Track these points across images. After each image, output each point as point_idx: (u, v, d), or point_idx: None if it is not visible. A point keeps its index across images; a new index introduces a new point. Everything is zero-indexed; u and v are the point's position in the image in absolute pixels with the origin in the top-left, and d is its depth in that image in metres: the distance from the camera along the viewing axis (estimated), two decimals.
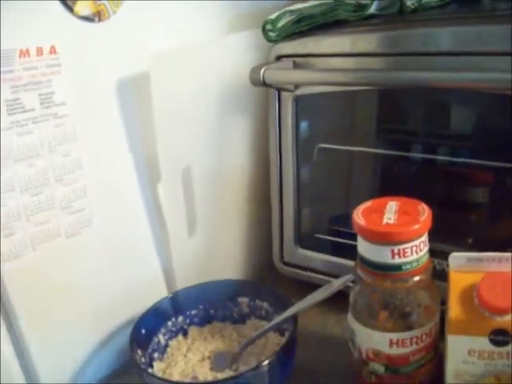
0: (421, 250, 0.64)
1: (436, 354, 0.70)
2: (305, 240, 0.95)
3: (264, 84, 0.81)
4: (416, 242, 0.64)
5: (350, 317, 0.71)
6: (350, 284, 0.72)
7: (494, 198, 0.81)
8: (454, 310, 0.61)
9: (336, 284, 0.73)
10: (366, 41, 0.77)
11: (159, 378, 0.72)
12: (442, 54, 0.71)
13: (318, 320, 0.88)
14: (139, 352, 0.76)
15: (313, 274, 0.93)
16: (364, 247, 0.67)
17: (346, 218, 0.72)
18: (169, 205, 0.87)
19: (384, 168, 0.92)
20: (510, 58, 0.64)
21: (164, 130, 0.82)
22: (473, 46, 0.68)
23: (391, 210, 0.67)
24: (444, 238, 0.76)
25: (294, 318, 0.74)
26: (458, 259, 0.66)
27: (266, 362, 0.67)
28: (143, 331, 0.79)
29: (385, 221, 0.64)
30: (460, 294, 0.63)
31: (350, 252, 0.73)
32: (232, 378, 0.71)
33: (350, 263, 0.73)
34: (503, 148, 0.76)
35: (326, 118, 0.93)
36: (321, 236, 0.95)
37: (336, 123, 0.92)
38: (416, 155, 0.86)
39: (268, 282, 0.90)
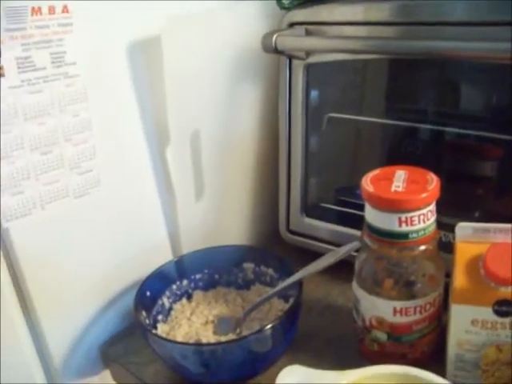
0: (428, 219, 0.64)
1: (439, 324, 0.71)
2: (311, 209, 0.95)
3: (276, 51, 0.81)
4: (423, 211, 0.64)
5: (354, 284, 0.72)
6: (355, 253, 0.73)
7: (503, 171, 0.81)
8: (459, 279, 0.62)
9: (342, 251, 0.73)
10: (379, 9, 0.76)
11: (163, 339, 0.72)
12: (455, 24, 0.70)
13: (322, 289, 0.89)
14: (143, 314, 0.76)
15: (318, 243, 0.93)
16: (372, 214, 0.67)
17: (353, 189, 0.72)
18: (177, 169, 0.88)
19: (392, 139, 0.92)
20: None
21: (174, 94, 0.81)
22: (486, 15, 0.67)
23: (400, 178, 0.67)
24: (451, 210, 0.76)
25: (299, 284, 0.74)
26: (464, 229, 0.66)
27: (270, 326, 0.67)
28: (148, 293, 0.79)
29: (393, 188, 0.64)
30: (465, 264, 0.63)
31: (356, 222, 0.74)
32: (235, 340, 0.72)
33: (356, 233, 0.74)
34: None
35: (336, 87, 0.92)
36: (327, 205, 0.96)
37: (346, 93, 0.92)
38: (425, 127, 0.86)
39: (273, 249, 0.90)
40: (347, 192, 0.93)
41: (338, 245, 0.77)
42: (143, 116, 0.82)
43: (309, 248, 0.94)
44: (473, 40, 0.66)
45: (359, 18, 0.78)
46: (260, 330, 0.68)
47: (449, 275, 0.66)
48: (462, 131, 0.83)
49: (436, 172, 0.68)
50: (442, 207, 0.67)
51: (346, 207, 0.93)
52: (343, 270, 0.75)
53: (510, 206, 0.78)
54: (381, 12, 0.76)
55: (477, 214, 0.82)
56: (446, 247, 0.71)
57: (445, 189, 0.66)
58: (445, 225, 0.71)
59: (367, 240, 0.68)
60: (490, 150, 0.81)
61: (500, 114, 0.79)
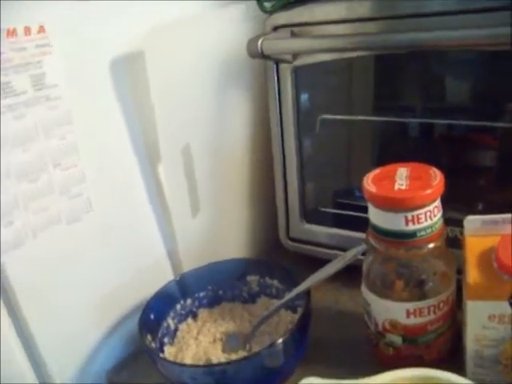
0: (435, 216, 0.63)
1: (454, 322, 0.70)
2: (310, 215, 0.94)
3: (262, 55, 0.79)
4: (430, 208, 0.62)
5: (363, 288, 0.70)
6: (361, 257, 0.71)
7: (502, 160, 0.81)
8: (472, 275, 0.60)
9: (348, 255, 0.71)
10: (361, 6, 0.76)
11: (171, 362, 0.71)
12: (437, 15, 0.69)
13: (330, 297, 0.87)
14: (149, 337, 0.75)
15: (320, 249, 0.92)
16: (376, 215, 0.65)
17: (351, 190, 0.71)
18: (170, 186, 0.86)
19: (387, 137, 0.93)
20: (508, 12, 0.62)
21: (161, 107, 0.80)
22: (466, 4, 0.67)
23: (402, 176, 0.65)
24: (455, 204, 0.74)
25: (307, 293, 0.73)
26: (473, 223, 0.65)
27: (281, 341, 0.66)
28: (152, 316, 0.78)
29: (397, 187, 0.63)
30: (477, 259, 0.62)
31: (357, 224, 0.73)
32: (246, 357, 0.70)
33: (357, 235, 0.73)
34: (507, 109, 0.76)
35: (326, 88, 0.92)
36: (326, 210, 0.95)
37: (337, 93, 0.92)
38: (420, 121, 0.86)
39: (276, 259, 0.88)
40: (345, 194, 0.93)
41: (340, 249, 0.77)
42: (131, 134, 0.81)
43: (311, 254, 0.93)
44: (455, 28, 0.65)
45: (342, 15, 0.78)
46: (271, 345, 0.66)
47: (460, 272, 0.65)
48: (456, 122, 0.82)
49: (435, 167, 0.67)
50: (445, 202, 0.66)
51: (345, 210, 0.92)
52: (350, 275, 0.74)
53: None
54: (363, 8, 0.76)
55: (480, 206, 0.81)
56: (453, 242, 0.70)
57: (446, 183, 0.65)
58: (449, 219, 0.70)
59: (373, 242, 0.67)
60: (487, 139, 0.81)
61: (494, 102, 0.79)
